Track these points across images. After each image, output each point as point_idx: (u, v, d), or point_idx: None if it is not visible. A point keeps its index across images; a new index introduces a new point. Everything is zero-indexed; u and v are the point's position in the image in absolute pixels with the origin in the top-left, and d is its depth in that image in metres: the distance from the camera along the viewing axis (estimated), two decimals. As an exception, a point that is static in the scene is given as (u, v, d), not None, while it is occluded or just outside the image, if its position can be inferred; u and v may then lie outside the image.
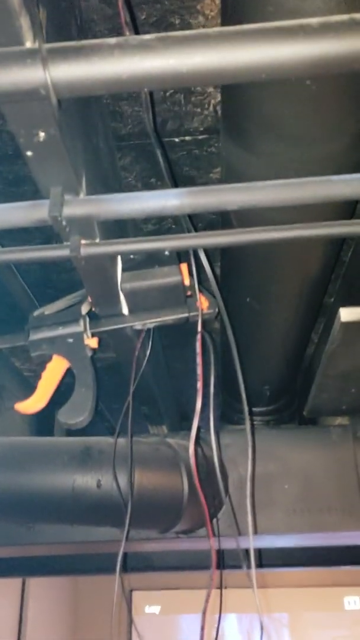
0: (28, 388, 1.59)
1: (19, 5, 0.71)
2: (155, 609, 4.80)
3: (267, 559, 2.87)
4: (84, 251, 0.92)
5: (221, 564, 1.92)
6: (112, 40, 0.71)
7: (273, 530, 1.86)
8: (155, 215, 0.99)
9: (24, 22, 0.72)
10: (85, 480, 1.66)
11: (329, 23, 0.67)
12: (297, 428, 2.13)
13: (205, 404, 1.28)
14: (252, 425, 2.03)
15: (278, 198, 0.87)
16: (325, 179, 0.87)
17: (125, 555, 1.56)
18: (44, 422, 2.10)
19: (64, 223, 0.87)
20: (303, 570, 3.81)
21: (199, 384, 1.18)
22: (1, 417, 1.94)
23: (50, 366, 1.24)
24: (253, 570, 1.28)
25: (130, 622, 3.80)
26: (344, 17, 0.67)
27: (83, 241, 0.93)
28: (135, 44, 0.70)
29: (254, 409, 2.03)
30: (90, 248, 0.93)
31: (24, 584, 4.46)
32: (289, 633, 4.64)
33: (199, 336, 1.22)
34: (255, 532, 1.73)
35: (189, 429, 1.31)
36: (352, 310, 1.35)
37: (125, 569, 1.61)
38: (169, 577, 4.16)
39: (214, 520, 1.93)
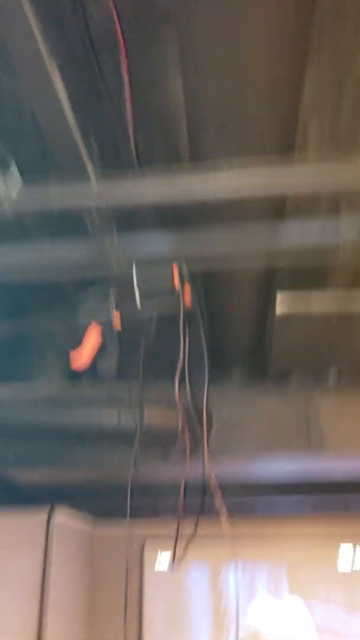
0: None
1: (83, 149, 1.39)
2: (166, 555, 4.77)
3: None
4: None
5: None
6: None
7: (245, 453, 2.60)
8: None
9: (84, 155, 1.40)
10: (110, 414, 2.41)
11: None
12: (266, 380, 2.85)
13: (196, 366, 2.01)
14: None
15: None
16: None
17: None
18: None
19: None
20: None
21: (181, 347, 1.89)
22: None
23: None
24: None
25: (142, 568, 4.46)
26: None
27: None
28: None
29: (237, 367, 2.75)
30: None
31: (48, 525, 4.82)
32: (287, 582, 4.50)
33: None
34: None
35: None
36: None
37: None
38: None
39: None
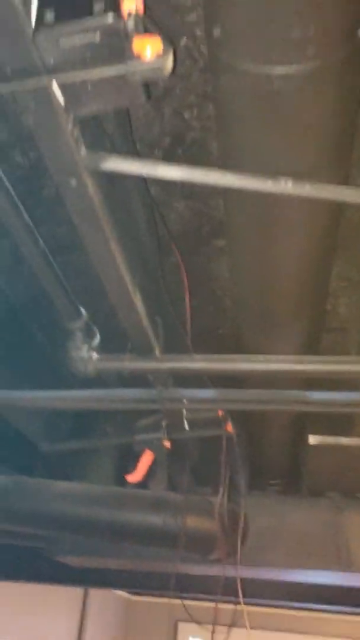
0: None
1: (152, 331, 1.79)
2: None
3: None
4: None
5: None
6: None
7: (273, 564, 2.83)
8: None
9: (153, 337, 1.80)
10: (156, 519, 2.71)
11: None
12: (299, 496, 3.09)
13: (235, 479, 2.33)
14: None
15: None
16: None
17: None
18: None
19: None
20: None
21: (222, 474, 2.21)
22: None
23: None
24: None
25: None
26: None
27: None
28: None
29: (270, 482, 3.02)
30: None
31: (85, 601, 5.17)
32: None
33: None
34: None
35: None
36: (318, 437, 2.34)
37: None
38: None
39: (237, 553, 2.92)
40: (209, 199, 1.81)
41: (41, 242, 1.56)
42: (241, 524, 2.68)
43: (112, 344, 1.86)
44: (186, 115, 1.52)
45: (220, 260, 2.04)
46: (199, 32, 1.32)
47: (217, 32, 0.97)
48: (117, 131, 1.38)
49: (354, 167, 1.41)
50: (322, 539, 2.85)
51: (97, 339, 1.88)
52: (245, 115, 1.09)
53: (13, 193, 1.37)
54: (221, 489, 2.44)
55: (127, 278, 1.51)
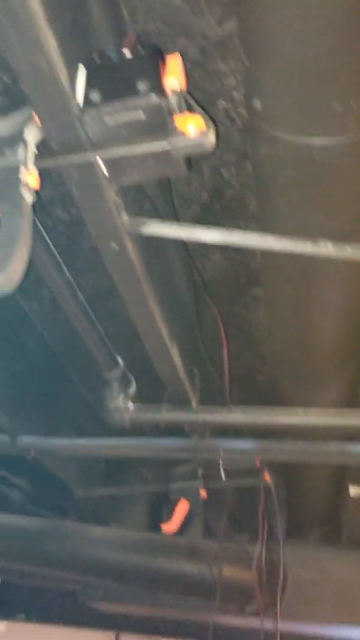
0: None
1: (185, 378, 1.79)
2: None
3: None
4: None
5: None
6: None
7: (315, 618, 2.71)
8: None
9: (190, 389, 1.79)
10: (191, 568, 2.65)
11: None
12: (339, 546, 2.98)
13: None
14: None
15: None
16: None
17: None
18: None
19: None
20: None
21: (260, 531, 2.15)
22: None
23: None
24: None
25: None
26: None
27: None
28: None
29: (309, 530, 2.93)
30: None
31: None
32: None
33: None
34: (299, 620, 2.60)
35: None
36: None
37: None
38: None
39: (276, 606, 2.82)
40: (246, 249, 1.81)
41: (80, 294, 1.59)
42: (281, 576, 2.59)
43: (148, 389, 1.86)
44: (224, 173, 1.54)
45: (257, 309, 2.03)
46: (237, 95, 1.34)
47: (257, 103, 0.99)
48: (156, 192, 1.40)
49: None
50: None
51: (133, 387, 1.88)
52: (285, 182, 1.10)
53: (53, 247, 1.41)
54: (259, 540, 2.37)
55: (165, 332, 1.52)
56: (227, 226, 1.73)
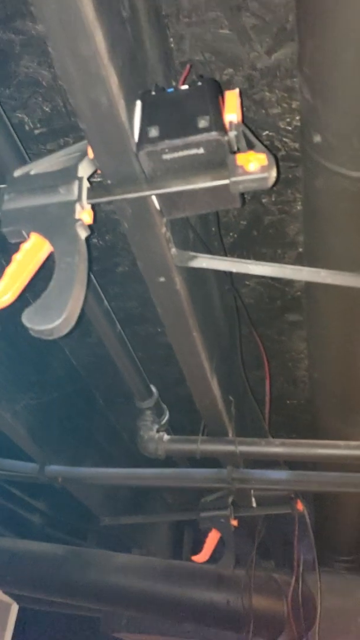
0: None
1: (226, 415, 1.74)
2: None
3: None
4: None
5: None
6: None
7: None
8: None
9: (227, 419, 1.74)
10: (220, 598, 2.58)
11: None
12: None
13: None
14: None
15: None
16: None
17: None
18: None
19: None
20: None
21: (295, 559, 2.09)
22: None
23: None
24: None
25: None
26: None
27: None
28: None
29: (340, 558, 2.85)
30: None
31: None
32: None
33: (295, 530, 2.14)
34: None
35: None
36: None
37: None
38: None
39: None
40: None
41: (118, 325, 1.56)
42: (319, 608, 2.52)
43: (177, 415, 1.82)
44: (264, 200, 1.51)
45: (292, 334, 1.99)
46: (282, 125, 1.32)
47: (317, 138, 0.96)
48: (199, 223, 1.38)
49: None
50: None
51: (166, 416, 1.84)
52: (338, 215, 1.07)
53: (91, 276, 1.38)
54: (294, 570, 2.31)
55: (207, 365, 1.48)
56: (265, 252, 1.72)
